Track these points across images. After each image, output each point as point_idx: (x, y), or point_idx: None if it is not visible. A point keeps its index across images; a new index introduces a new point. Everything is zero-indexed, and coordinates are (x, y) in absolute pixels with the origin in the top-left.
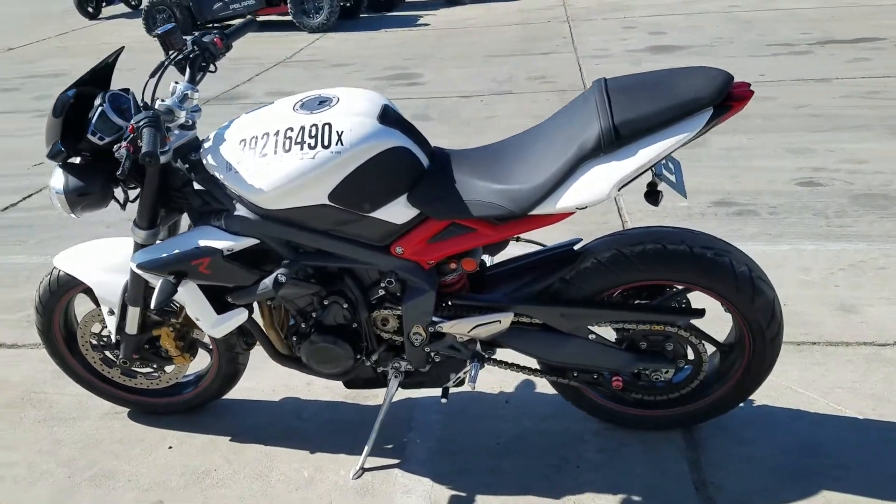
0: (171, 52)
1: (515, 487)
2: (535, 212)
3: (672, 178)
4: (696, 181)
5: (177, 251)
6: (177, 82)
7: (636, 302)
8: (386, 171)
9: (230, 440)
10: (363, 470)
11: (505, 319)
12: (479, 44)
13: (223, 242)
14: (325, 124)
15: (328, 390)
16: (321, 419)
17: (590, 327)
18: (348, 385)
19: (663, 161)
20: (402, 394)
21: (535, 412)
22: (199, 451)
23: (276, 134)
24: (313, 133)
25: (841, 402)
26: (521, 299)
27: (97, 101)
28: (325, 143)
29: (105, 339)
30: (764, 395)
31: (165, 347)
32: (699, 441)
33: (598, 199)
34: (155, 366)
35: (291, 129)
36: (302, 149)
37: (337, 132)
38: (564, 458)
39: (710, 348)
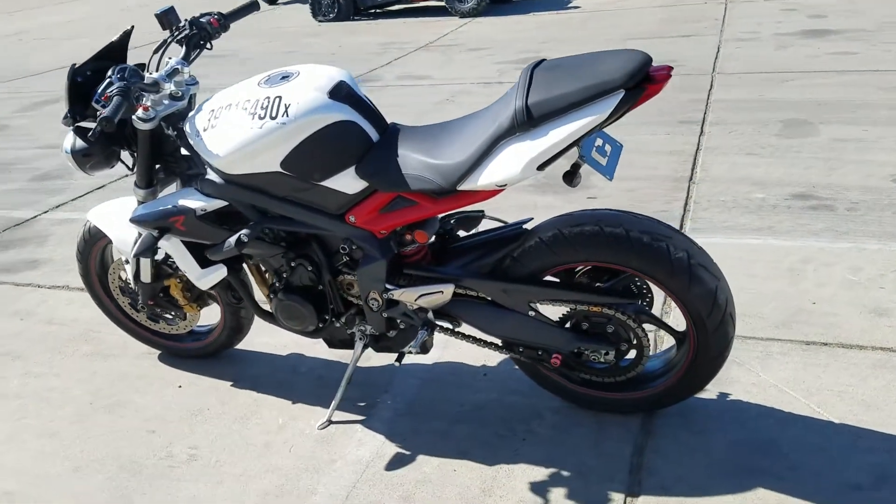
0: (174, 30)
1: (455, 451)
2: (461, 187)
3: (602, 160)
4: (786, 172)
5: (160, 209)
6: (170, 58)
7: (595, 284)
8: (332, 143)
9: (231, 385)
10: (329, 422)
11: (447, 290)
12: (622, 25)
13: (197, 203)
14: (276, 97)
15: (329, 350)
16: (313, 375)
17: (534, 304)
18: (329, 345)
19: (598, 143)
20: (389, 358)
21: (507, 386)
22: (201, 392)
23: (237, 106)
24: (265, 105)
25: (823, 405)
26: (469, 273)
27: (108, 74)
28: (273, 115)
29: (130, 286)
30: (743, 391)
31: (175, 296)
32: (654, 427)
33: (512, 178)
34: (172, 313)
35: (248, 101)
36: (253, 119)
37: (285, 105)
38: (514, 430)
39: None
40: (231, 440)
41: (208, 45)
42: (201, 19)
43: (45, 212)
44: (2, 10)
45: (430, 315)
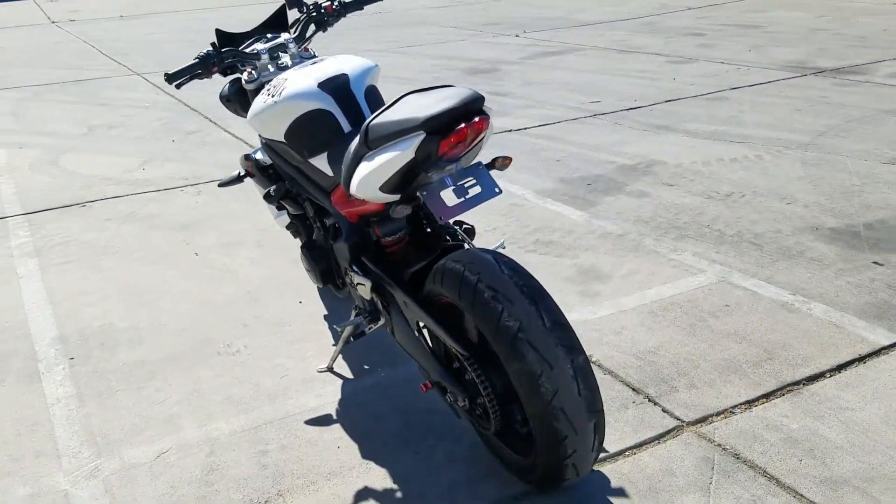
0: (306, 10)
1: (360, 441)
2: (350, 192)
3: (453, 199)
4: None
5: (248, 154)
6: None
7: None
8: (310, 127)
9: (323, 315)
10: (329, 369)
11: (367, 285)
12: None
13: (260, 155)
14: (284, 79)
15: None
16: (386, 341)
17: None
18: None
19: (469, 181)
20: None
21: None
22: (302, 312)
23: (271, 81)
24: (276, 84)
25: None
26: (394, 275)
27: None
28: (272, 94)
29: None
30: None
31: None
32: None
33: (358, 194)
34: None
35: (279, 78)
36: (266, 93)
37: (283, 87)
38: (421, 446)
39: None
40: (267, 351)
41: (323, 29)
42: (323, 4)
43: None
44: None
45: (379, 305)
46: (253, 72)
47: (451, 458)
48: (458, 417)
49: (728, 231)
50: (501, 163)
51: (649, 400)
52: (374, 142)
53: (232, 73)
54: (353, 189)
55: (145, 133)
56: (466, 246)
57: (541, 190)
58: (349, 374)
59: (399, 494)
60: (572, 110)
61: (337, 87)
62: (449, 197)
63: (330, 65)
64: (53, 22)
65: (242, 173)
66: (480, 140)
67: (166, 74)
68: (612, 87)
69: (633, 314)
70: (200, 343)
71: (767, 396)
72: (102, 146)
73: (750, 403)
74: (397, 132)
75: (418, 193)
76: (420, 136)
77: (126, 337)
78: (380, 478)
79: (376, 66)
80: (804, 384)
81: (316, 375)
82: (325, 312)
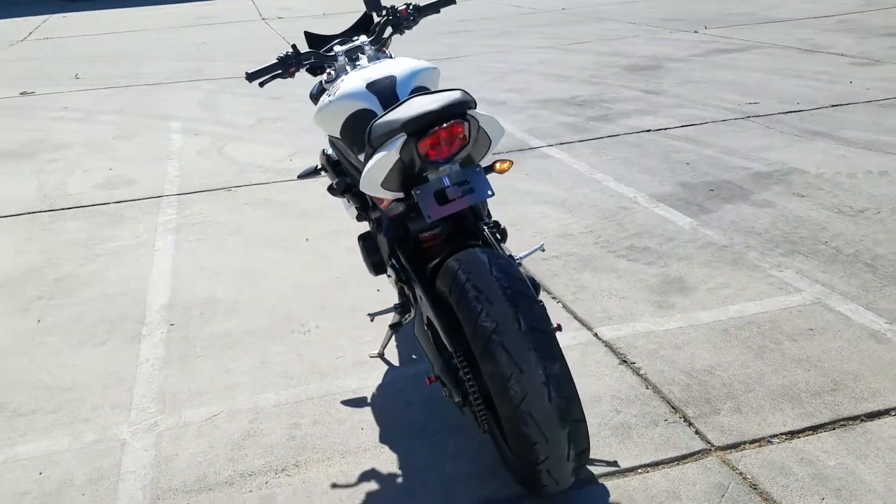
0: (385, 14)
1: (386, 428)
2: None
3: (444, 197)
4: None
5: (324, 148)
6: (357, 38)
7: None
8: (359, 126)
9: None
10: (380, 355)
11: (393, 276)
12: None
13: (330, 149)
14: (341, 80)
15: None
16: None
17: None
18: None
19: (462, 182)
20: None
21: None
22: (375, 302)
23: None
24: (335, 85)
25: None
26: (417, 269)
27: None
28: (329, 93)
29: None
30: None
31: None
32: None
33: (365, 191)
34: None
35: (339, 79)
36: (326, 93)
37: (338, 87)
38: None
39: None
40: (334, 333)
41: (399, 32)
42: (399, 7)
43: (549, 145)
44: None
45: (411, 298)
46: (332, 72)
47: (460, 453)
48: (461, 413)
49: (846, 250)
50: (500, 166)
51: (685, 420)
52: (374, 141)
53: (321, 73)
54: (361, 186)
55: (304, 126)
56: (505, 247)
57: (656, 193)
58: (396, 362)
59: (400, 480)
60: (724, 111)
61: (383, 88)
62: (441, 196)
63: (382, 67)
64: (263, 19)
65: (319, 167)
66: (466, 142)
67: (247, 73)
68: (778, 88)
69: (704, 330)
70: (281, 320)
71: (815, 429)
72: (264, 137)
73: (792, 434)
74: (388, 132)
75: (412, 192)
76: (402, 138)
77: (224, 309)
78: (388, 462)
79: (433, 68)
80: (862, 420)
81: (367, 360)
82: (397, 301)
